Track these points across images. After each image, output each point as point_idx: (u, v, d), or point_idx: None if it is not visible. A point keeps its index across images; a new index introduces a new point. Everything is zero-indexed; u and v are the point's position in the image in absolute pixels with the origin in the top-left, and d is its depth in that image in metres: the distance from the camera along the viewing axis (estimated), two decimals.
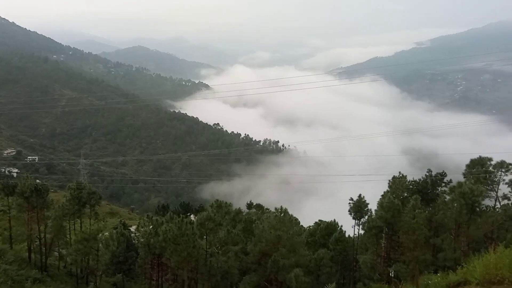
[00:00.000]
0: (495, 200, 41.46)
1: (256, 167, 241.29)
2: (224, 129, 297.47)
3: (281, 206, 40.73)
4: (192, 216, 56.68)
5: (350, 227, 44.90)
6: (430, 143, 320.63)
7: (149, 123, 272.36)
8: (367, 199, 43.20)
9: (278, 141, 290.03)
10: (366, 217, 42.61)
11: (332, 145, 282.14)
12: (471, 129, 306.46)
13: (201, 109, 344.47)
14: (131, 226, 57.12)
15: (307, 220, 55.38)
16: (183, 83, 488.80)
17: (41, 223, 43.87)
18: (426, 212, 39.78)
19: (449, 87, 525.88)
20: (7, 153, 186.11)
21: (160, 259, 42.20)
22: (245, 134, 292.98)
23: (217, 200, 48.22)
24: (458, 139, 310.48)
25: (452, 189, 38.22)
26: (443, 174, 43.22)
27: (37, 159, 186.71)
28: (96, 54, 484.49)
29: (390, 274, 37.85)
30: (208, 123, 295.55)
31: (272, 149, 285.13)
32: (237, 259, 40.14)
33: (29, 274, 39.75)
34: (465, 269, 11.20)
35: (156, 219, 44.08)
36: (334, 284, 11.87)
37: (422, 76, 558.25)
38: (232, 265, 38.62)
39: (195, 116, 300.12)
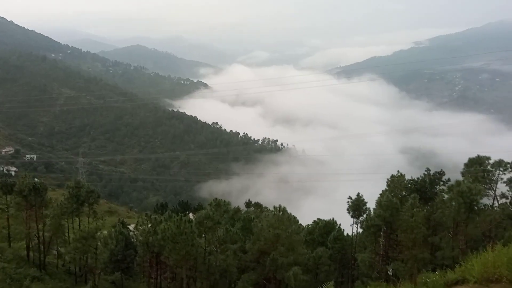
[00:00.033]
0: (493, 199, 41.63)
1: (255, 166, 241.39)
2: (223, 128, 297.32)
3: (280, 204, 40.80)
4: (190, 214, 56.68)
5: (348, 226, 45.02)
6: (429, 142, 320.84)
7: (148, 122, 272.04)
8: (366, 197, 43.30)
9: (276, 140, 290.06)
10: (365, 215, 42.71)
11: (330, 144, 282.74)
12: (470, 128, 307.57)
13: (200, 108, 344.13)
14: (129, 224, 57.14)
15: (305, 218, 55.49)
16: (182, 82, 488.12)
17: (39, 221, 43.89)
18: (425, 210, 39.85)
19: (448, 87, 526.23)
20: (5, 151, 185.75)
21: (159, 258, 42.22)
22: (244, 133, 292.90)
23: (216, 198, 48.30)
24: (456, 138, 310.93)
25: (450, 188, 38.30)
26: (441, 173, 43.33)
27: (35, 157, 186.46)
28: (95, 53, 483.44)
29: (389, 272, 37.93)
30: (207, 122, 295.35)
31: (270, 148, 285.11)
32: (236, 257, 40.18)
33: (28, 272, 39.82)
34: (463, 267, 11.20)
35: (155, 218, 44.11)
36: (332, 282, 11.89)
37: (421, 76, 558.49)
38: (230, 263, 38.65)
39: (193, 115, 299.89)
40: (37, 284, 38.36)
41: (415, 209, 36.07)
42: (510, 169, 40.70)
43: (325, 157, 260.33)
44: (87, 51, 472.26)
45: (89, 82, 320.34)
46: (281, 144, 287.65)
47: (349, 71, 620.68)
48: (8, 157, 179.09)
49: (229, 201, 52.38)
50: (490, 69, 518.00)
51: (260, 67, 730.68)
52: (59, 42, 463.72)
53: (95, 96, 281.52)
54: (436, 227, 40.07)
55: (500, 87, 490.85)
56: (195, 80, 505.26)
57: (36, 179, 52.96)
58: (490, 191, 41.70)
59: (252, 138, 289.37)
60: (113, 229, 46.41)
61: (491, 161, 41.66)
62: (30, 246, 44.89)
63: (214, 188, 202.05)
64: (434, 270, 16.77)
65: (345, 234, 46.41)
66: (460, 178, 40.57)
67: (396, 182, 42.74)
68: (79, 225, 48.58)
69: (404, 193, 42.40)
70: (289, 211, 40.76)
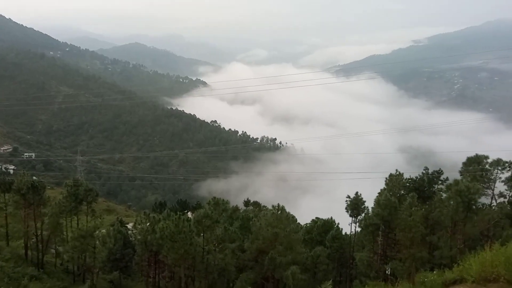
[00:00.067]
0: (491, 198, 41.68)
1: (254, 165, 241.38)
2: (222, 127, 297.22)
3: (278, 203, 40.82)
4: (189, 213, 56.66)
5: (347, 225, 45.05)
6: (427, 141, 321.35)
7: (146, 120, 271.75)
8: (364, 196, 43.34)
9: (275, 139, 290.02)
10: (363, 214, 42.78)
11: (329, 142, 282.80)
12: (468, 127, 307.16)
13: (199, 106, 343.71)
14: (128, 223, 57.15)
15: (304, 217, 55.52)
16: (180, 80, 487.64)
17: (37, 220, 43.81)
18: (423, 209, 39.85)
19: (446, 85, 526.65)
20: (3, 149, 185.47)
21: (157, 257, 42.21)
22: (243, 131, 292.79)
23: (214, 197, 48.27)
24: (455, 137, 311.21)
25: (448, 187, 38.35)
26: (439, 172, 43.38)
27: (33, 156, 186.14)
28: (93, 51, 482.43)
29: (387, 271, 37.95)
30: (206, 120, 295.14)
31: (269, 146, 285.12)
32: (234, 256, 40.21)
33: (26, 271, 39.73)
34: (461, 266, 11.21)
35: (153, 216, 44.11)
36: (330, 282, 11.91)
37: (420, 74, 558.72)
38: (229, 262, 38.68)
39: (192, 113, 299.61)
40: (35, 283, 38.28)
41: (413, 208, 36.12)
42: (508, 168, 40.74)
43: (323, 156, 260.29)
44: (85, 49, 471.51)
45: (88, 80, 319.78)
46: (280, 143, 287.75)
47: (348, 70, 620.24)
48: (6, 155, 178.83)
49: (227, 200, 52.36)
50: (489, 68, 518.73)
51: (259, 65, 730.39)
52: (57, 40, 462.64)
53: (93, 94, 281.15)
54: (434, 226, 40.14)
55: (498, 85, 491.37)
56: (194, 78, 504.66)
57: (34, 178, 52.85)
58: (488, 190, 41.74)
59: (250, 137, 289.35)
60: (111, 228, 46.35)
61: (489, 160, 41.70)
62: (28, 245, 44.82)
63: (212, 187, 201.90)
64: (432, 269, 16.77)
65: (343, 233, 46.45)
66: (459, 177, 40.62)
67: (394, 181, 42.78)
68: (78, 224, 48.48)
69: (402, 192, 42.44)
70: (287, 210, 40.79)
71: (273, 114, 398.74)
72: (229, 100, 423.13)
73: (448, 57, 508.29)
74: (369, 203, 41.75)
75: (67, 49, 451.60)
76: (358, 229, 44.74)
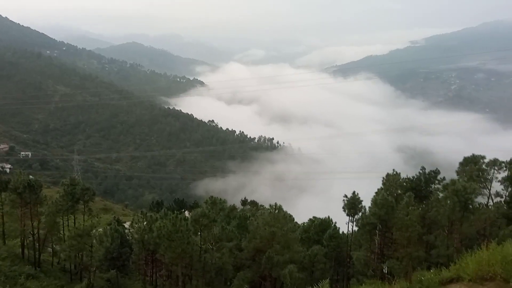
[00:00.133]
0: (488, 198, 41.83)
1: (251, 164, 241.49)
2: (219, 126, 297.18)
3: (276, 202, 40.85)
4: (186, 212, 56.70)
5: (344, 224, 45.07)
6: (424, 141, 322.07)
7: (143, 119, 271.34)
8: (361, 196, 43.37)
9: (272, 138, 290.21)
10: (360, 214, 42.77)
11: (326, 142, 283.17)
12: (465, 127, 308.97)
13: (196, 106, 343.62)
14: (125, 222, 57.09)
15: (301, 216, 55.54)
16: (178, 79, 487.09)
17: (34, 219, 43.71)
18: (420, 209, 39.99)
19: (443, 86, 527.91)
20: (0, 148, 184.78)
21: (154, 255, 42.22)
22: (240, 131, 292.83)
23: (212, 196, 48.29)
24: (451, 137, 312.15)
25: (445, 187, 38.44)
26: (436, 172, 43.49)
27: (30, 155, 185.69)
28: (90, 50, 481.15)
29: (384, 270, 38.03)
30: (203, 120, 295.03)
31: (266, 146, 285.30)
32: (232, 255, 40.23)
33: (22, 270, 39.65)
34: (458, 265, 11.27)
35: (150, 215, 44.12)
36: (328, 280, 11.93)
37: (417, 75, 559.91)
38: (226, 261, 38.70)
39: (189, 113, 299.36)
40: (32, 282, 38.21)
41: (410, 208, 36.21)
42: (504, 168, 40.91)
43: (320, 156, 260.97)
44: (82, 48, 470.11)
45: (85, 79, 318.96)
46: (277, 142, 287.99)
47: (345, 70, 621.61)
48: (3, 154, 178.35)
49: (225, 199, 52.40)
50: (486, 69, 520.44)
51: (256, 65, 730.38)
52: (54, 39, 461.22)
53: (90, 93, 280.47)
54: (431, 225, 40.24)
55: (495, 86, 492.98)
56: (191, 78, 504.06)
57: (31, 177, 52.73)
58: (485, 190, 41.88)
59: (248, 136, 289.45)
60: (108, 227, 46.33)
61: (486, 160, 41.86)
62: (25, 244, 44.72)
63: (210, 186, 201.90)
64: (429, 268, 16.83)
65: (340, 232, 46.53)
66: (455, 177, 40.74)
67: (391, 180, 42.85)
68: (74, 223, 48.47)
69: (399, 191, 42.49)
70: (284, 209, 40.83)
71: (271, 114, 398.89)
72: (226, 100, 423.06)
73: (445, 58, 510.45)
74: (366, 203, 41.81)
75: (64, 48, 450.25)
76: (355, 228, 44.78)
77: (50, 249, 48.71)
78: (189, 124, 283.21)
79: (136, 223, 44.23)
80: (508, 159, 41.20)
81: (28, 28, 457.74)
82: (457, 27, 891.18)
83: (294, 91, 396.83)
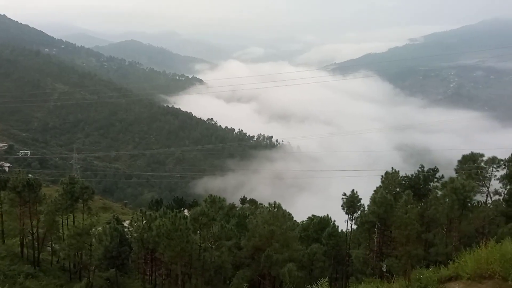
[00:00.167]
0: (487, 196, 41.93)
1: (250, 162, 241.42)
2: (218, 124, 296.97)
3: (275, 201, 40.88)
4: (185, 211, 56.69)
5: (343, 222, 45.15)
6: (423, 139, 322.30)
7: (142, 117, 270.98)
8: (360, 194, 43.42)
9: (271, 137, 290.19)
10: (359, 212, 42.87)
11: (325, 140, 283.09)
12: (463, 125, 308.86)
13: (195, 104, 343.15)
14: (124, 221, 57.08)
15: (300, 215, 55.59)
16: (177, 77, 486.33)
17: (33, 218, 43.68)
18: (418, 207, 40.10)
19: (442, 84, 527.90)
20: None
21: (154, 254, 42.26)
22: (239, 129, 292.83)
23: (211, 195, 48.22)
24: (450, 135, 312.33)
25: (444, 185, 38.53)
26: (435, 170, 43.56)
27: (29, 153, 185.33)
28: (89, 48, 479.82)
29: (383, 268, 38.16)
30: (202, 118, 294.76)
31: (265, 144, 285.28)
32: (231, 254, 40.28)
33: (22, 269, 39.66)
34: (457, 263, 11.27)
35: (150, 214, 44.14)
36: (327, 279, 11.94)
37: (416, 73, 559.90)
38: (225, 260, 38.75)
39: (188, 111, 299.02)
40: (31, 281, 38.21)
41: (409, 206, 36.30)
42: (503, 166, 41.01)
43: (320, 154, 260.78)
44: (81, 46, 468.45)
45: (83, 77, 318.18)
46: (276, 141, 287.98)
47: (344, 68, 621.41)
48: (2, 153, 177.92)
49: (224, 198, 52.31)
50: (485, 66, 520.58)
51: (255, 63, 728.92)
52: (53, 37, 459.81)
53: (89, 91, 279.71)
54: (430, 223, 40.32)
55: (494, 84, 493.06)
56: (190, 76, 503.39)
57: (30, 175, 52.68)
58: (483, 188, 42.00)
59: (247, 135, 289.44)
60: (107, 226, 46.34)
61: (484, 158, 41.96)
62: (24, 243, 44.69)
63: (209, 185, 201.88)
64: (427, 266, 16.86)
65: (339, 230, 46.55)
66: (454, 175, 40.82)
67: (390, 178, 42.92)
68: (74, 222, 48.41)
69: (398, 189, 42.61)
70: (284, 208, 40.87)
71: (270, 112, 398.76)
72: (225, 98, 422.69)
73: (444, 56, 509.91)
74: (365, 201, 41.88)
75: (63, 46, 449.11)
76: (354, 227, 44.89)
77: (49, 248, 48.71)
78: (188, 122, 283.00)
79: (135, 222, 44.25)
80: (507, 157, 41.29)
81: (26, 25, 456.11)
82: (456, 25, 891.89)
83: (293, 89, 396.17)
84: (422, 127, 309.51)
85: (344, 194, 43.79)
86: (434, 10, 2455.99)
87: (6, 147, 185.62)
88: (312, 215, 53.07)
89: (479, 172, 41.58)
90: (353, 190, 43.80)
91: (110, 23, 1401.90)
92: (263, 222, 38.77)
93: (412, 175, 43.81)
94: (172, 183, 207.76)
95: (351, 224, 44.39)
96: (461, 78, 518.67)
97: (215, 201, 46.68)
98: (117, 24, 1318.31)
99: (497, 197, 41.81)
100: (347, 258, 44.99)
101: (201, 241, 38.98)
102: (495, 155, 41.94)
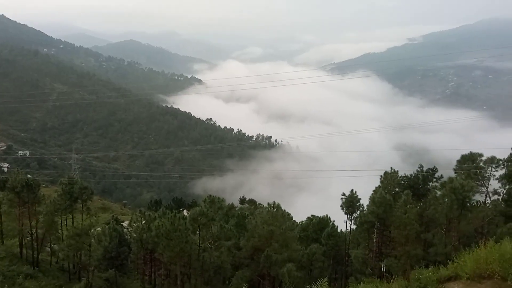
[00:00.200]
0: (486, 196, 41.99)
1: (249, 162, 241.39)
2: (217, 124, 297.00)
3: (274, 201, 40.89)
4: (185, 211, 56.69)
5: (342, 222, 45.19)
6: (422, 139, 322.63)
7: (141, 117, 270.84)
8: (359, 194, 43.46)
9: (271, 137, 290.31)
10: (358, 212, 42.89)
11: (324, 140, 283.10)
12: (462, 125, 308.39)
13: (194, 104, 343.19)
14: (123, 221, 57.03)
15: (299, 215, 55.61)
16: (176, 77, 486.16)
17: (32, 218, 43.60)
18: (418, 207, 40.12)
19: (441, 83, 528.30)
20: None
21: (153, 254, 42.24)
22: (238, 129, 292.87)
23: (210, 195, 48.23)
24: (449, 135, 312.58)
25: (443, 185, 38.55)
26: (434, 170, 43.58)
27: (28, 153, 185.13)
28: (88, 48, 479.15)
29: (382, 268, 38.18)
30: (201, 118, 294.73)
31: (265, 144, 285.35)
32: (230, 254, 40.27)
33: (21, 270, 39.57)
34: (456, 263, 11.31)
35: (149, 214, 44.12)
36: (326, 279, 11.96)
37: (414, 72, 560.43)
38: (225, 260, 38.74)
39: (187, 111, 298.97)
40: (30, 281, 38.14)
41: (408, 206, 36.31)
42: (502, 166, 41.07)
43: (319, 154, 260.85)
44: (80, 45, 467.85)
45: (82, 77, 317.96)
46: (275, 141, 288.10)
47: (343, 68, 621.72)
48: (1, 153, 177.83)
49: (223, 198, 52.36)
50: (483, 66, 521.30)
51: (254, 63, 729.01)
52: (51, 37, 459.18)
53: (88, 91, 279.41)
54: (429, 223, 40.34)
55: (493, 84, 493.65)
56: (189, 76, 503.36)
57: (29, 176, 52.53)
58: (482, 188, 42.05)
59: (246, 135, 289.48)
60: (106, 226, 46.27)
61: (483, 158, 42.02)
62: (23, 243, 44.59)
63: (208, 185, 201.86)
64: (427, 266, 16.87)
65: (338, 230, 46.59)
66: (453, 174, 40.85)
67: (389, 178, 42.93)
68: (73, 222, 48.36)
69: (397, 189, 42.61)
70: (283, 208, 40.87)
71: (269, 112, 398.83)
72: (224, 98, 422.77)
73: (443, 55, 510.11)
74: (364, 201, 41.89)
75: (61, 46, 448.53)
76: (354, 227, 44.91)
77: (48, 249, 48.65)
78: (187, 122, 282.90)
79: (134, 222, 44.20)
80: (506, 157, 41.34)
81: (25, 25, 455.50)
82: (454, 24, 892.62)
83: (292, 89, 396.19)
84: (421, 127, 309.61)
85: (343, 194, 43.83)
86: (434, 10, 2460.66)
87: (4, 148, 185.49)
88: (311, 215, 53.09)
89: (478, 172, 41.64)
90: (352, 190, 43.83)
91: (110, 23, 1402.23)
92: (262, 222, 38.77)
93: (411, 175, 43.83)
94: (171, 183, 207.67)
95: (350, 224, 44.44)
96: (459, 78, 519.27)
97: (214, 201, 46.68)
98: (117, 24, 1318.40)
99: (496, 197, 41.87)
100: (346, 258, 45.01)
101: (200, 242, 38.98)
102: (494, 155, 42.02)
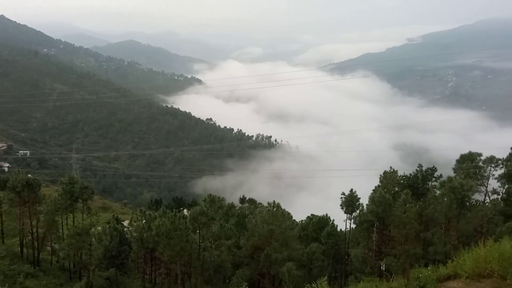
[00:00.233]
0: (485, 195, 42.10)
1: (249, 162, 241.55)
2: (217, 124, 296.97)
3: (274, 200, 41.01)
4: (185, 210, 56.79)
5: (342, 221, 45.25)
6: (421, 139, 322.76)
7: (141, 117, 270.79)
8: (359, 193, 43.54)
9: (270, 136, 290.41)
10: (358, 211, 42.94)
11: (324, 140, 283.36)
12: (462, 125, 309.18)
13: (194, 104, 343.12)
14: (124, 220, 57.13)
15: (299, 214, 55.74)
16: (176, 77, 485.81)
17: (33, 217, 43.69)
18: (417, 206, 40.17)
19: (440, 83, 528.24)
20: None
21: (153, 254, 42.34)
22: (238, 129, 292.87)
23: (210, 194, 48.34)
24: (448, 135, 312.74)
25: (442, 184, 38.66)
26: (433, 169, 43.68)
27: (28, 153, 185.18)
28: (87, 48, 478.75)
29: (381, 267, 38.29)
30: (201, 118, 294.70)
31: (264, 144, 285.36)
32: (230, 253, 40.38)
33: (21, 269, 39.67)
34: (455, 262, 11.33)
35: (149, 214, 44.21)
36: (326, 278, 12.04)
37: (413, 72, 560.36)
38: (225, 259, 38.84)
39: (187, 111, 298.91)
40: (31, 280, 38.23)
41: (407, 205, 36.40)
42: (501, 166, 41.18)
43: (318, 153, 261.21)
44: (80, 46, 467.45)
45: (82, 77, 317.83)
46: (275, 140, 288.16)
47: (342, 68, 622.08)
48: (1, 153, 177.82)
49: (223, 197, 52.47)
50: (482, 66, 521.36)
51: (254, 63, 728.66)
52: (51, 37, 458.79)
53: (88, 91, 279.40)
54: (428, 222, 40.43)
55: (492, 84, 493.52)
56: (189, 76, 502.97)
57: (29, 175, 52.60)
58: (481, 187, 42.16)
59: (246, 134, 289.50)
60: (107, 225, 46.39)
61: (482, 158, 42.14)
62: (24, 243, 44.70)
63: (208, 184, 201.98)
64: (426, 265, 16.95)
65: (338, 229, 46.66)
66: (452, 174, 40.97)
67: (388, 178, 43.00)
68: (73, 221, 48.43)
69: (396, 189, 42.66)
70: (283, 207, 40.99)
71: (268, 112, 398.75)
72: (224, 98, 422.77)
73: (442, 55, 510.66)
74: (364, 200, 41.97)
75: (61, 46, 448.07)
76: (353, 226, 44.99)
77: (49, 248, 48.73)
78: (187, 122, 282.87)
79: (135, 222, 44.29)
80: (505, 157, 41.47)
81: (25, 26, 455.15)
82: (453, 25, 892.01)
83: (291, 89, 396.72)
84: (420, 127, 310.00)
85: (343, 194, 43.90)
86: (434, 10, 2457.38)
87: (5, 147, 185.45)
88: (311, 215, 53.22)
89: (477, 171, 41.76)
90: (351, 189, 43.91)
91: (110, 23, 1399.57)
92: (262, 221, 38.89)
93: (410, 174, 43.92)
94: (171, 183, 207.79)
95: (350, 223, 44.51)
96: (458, 78, 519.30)
97: (214, 201, 46.79)
98: (117, 24, 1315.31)
99: (495, 196, 41.98)
100: (346, 257, 45.12)
101: (200, 241, 39.08)
102: (493, 154, 42.16)
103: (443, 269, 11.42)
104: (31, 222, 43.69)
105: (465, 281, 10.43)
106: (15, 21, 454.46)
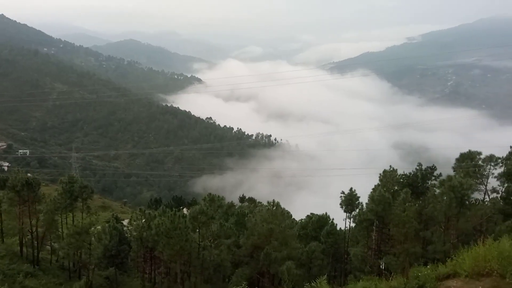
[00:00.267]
0: (484, 194, 42.10)
1: (249, 161, 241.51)
2: (217, 123, 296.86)
3: (273, 199, 41.01)
4: (184, 209, 56.78)
5: (341, 220, 45.24)
6: (421, 138, 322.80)
7: (141, 117, 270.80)
8: (358, 192, 43.53)
9: (270, 135, 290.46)
10: (357, 210, 42.95)
11: (323, 139, 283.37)
12: (461, 123, 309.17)
13: (194, 103, 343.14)
14: (123, 219, 57.10)
15: (299, 213, 55.77)
16: (175, 77, 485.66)
17: (32, 217, 43.66)
18: (416, 205, 40.20)
19: (440, 82, 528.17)
20: None
21: (153, 253, 42.33)
22: (238, 128, 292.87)
23: (210, 193, 48.40)
24: (448, 134, 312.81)
25: (442, 183, 38.64)
26: (433, 168, 43.69)
27: (28, 152, 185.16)
28: (87, 47, 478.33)
29: (381, 266, 38.27)
30: (201, 117, 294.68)
31: (264, 143, 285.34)
32: (230, 252, 40.39)
33: (21, 268, 39.64)
34: (455, 261, 11.34)
35: (149, 213, 44.20)
36: (325, 277, 12.03)
37: (413, 71, 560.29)
38: (224, 258, 38.85)
39: (187, 110, 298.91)
40: (30, 280, 38.22)
41: (407, 204, 36.42)
42: (501, 164, 41.18)
43: (318, 152, 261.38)
44: (80, 45, 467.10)
45: (82, 76, 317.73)
46: (275, 139, 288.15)
47: (342, 67, 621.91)
48: (1, 152, 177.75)
49: (223, 196, 52.54)
50: (482, 65, 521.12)
51: (254, 62, 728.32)
52: (51, 36, 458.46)
53: (88, 91, 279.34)
54: (428, 221, 40.45)
55: (491, 82, 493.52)
56: (189, 75, 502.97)
57: (29, 174, 52.56)
58: (481, 186, 42.18)
59: (246, 133, 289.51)
60: (107, 224, 46.34)
61: (482, 156, 42.15)
62: (24, 242, 44.67)
63: (208, 183, 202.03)
64: (425, 264, 16.95)
65: (338, 228, 46.67)
66: (452, 173, 40.98)
67: (388, 177, 43.00)
68: (73, 221, 48.43)
69: (396, 187, 42.67)
70: (282, 206, 40.99)
71: (268, 111, 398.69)
72: (224, 97, 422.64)
73: (442, 54, 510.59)
74: (363, 199, 41.97)
75: (61, 46, 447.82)
76: (353, 225, 44.98)
77: (48, 247, 48.71)
78: (187, 121, 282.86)
79: (134, 221, 44.27)
80: (504, 155, 41.47)
81: (25, 25, 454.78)
82: (453, 24, 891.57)
83: (291, 88, 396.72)
84: (420, 126, 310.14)
85: (343, 193, 43.89)
86: (434, 10, 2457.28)
87: (5, 147, 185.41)
88: (311, 213, 53.23)
89: (477, 170, 41.76)
90: (351, 188, 43.90)
91: (110, 23, 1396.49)
92: (262, 220, 38.89)
93: (410, 173, 43.94)
94: (171, 182, 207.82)
95: (350, 222, 44.50)
96: (458, 77, 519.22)
97: (214, 200, 46.82)
98: (117, 24, 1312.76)
99: (494, 195, 41.99)
100: (345, 256, 45.12)
101: (200, 240, 39.07)
102: (493, 153, 42.16)
103: (443, 267, 11.43)
104: (30, 221, 43.67)
105: (465, 280, 10.44)
106: (15, 21, 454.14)
